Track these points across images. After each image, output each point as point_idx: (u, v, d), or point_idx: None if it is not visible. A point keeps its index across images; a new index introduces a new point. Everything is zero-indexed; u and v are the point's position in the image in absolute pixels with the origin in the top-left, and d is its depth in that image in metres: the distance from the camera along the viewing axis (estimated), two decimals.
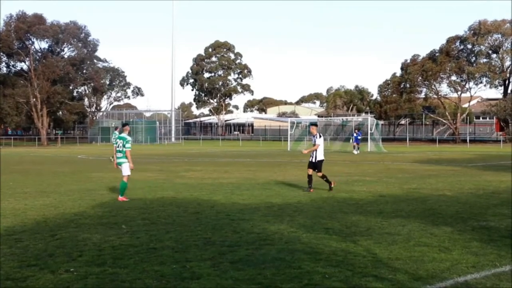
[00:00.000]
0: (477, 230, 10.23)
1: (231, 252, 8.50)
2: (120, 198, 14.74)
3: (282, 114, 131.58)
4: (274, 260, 7.97)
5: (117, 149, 15.06)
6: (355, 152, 44.21)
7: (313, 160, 16.95)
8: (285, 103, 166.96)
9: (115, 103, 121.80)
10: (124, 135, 15.10)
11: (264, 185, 18.53)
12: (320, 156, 16.98)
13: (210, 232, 10.13)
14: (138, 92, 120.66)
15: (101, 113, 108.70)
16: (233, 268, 7.60)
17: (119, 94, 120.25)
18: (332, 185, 16.92)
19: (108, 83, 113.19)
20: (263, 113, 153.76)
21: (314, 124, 17.78)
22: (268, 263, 7.83)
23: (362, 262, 7.84)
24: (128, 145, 14.89)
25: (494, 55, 77.82)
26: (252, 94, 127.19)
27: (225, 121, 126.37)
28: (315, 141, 16.94)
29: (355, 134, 46.45)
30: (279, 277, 7.13)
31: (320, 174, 16.91)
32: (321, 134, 17.16)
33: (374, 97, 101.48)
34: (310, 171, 16.88)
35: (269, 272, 7.37)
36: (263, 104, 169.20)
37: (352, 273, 7.29)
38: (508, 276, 7.11)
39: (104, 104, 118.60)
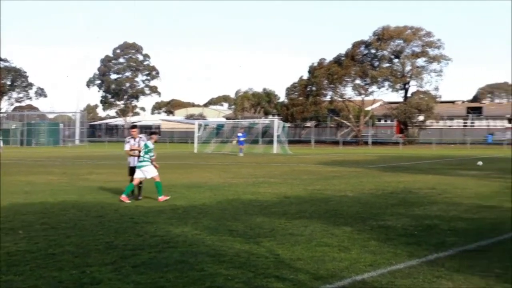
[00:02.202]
0: (376, 230, 10.56)
1: (133, 256, 8.38)
2: (160, 198, 14.90)
3: (190, 116, 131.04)
4: (177, 263, 7.93)
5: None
6: (240, 154, 44.33)
7: None
8: (193, 105, 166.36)
9: (17, 104, 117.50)
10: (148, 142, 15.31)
11: (169, 188, 18.36)
12: None
13: (113, 235, 9.95)
14: (41, 93, 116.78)
15: (1, 115, 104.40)
16: (135, 272, 7.49)
17: (21, 95, 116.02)
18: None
19: (9, 83, 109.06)
20: (171, 115, 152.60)
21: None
22: (171, 266, 7.78)
23: (264, 263, 7.92)
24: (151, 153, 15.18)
25: (396, 60, 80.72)
26: (160, 96, 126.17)
27: (132, 123, 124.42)
28: None
29: (239, 134, 46.20)
30: (182, 280, 7.10)
31: None
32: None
33: (281, 100, 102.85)
34: None
35: (171, 275, 7.32)
36: (171, 106, 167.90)
37: (255, 274, 7.35)
38: (403, 274, 7.38)
39: (4, 105, 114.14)
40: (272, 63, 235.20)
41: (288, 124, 75.96)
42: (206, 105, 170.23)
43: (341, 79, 79.36)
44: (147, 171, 15.13)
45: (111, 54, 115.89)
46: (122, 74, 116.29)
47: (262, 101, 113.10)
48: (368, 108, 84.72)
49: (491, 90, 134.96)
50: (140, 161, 15.18)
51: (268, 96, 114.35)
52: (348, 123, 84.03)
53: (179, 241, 9.44)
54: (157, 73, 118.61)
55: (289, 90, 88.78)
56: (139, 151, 15.39)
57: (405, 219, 11.75)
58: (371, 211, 12.96)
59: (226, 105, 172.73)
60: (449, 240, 9.54)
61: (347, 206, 13.94)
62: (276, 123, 54.52)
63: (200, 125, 61.63)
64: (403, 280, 7.07)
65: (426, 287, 6.82)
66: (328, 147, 72.13)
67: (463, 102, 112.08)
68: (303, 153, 49.70)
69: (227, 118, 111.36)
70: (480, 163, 27.41)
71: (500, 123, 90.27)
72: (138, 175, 15.09)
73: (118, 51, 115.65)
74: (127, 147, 15.78)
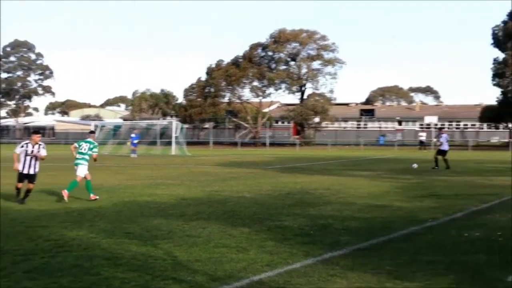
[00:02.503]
0: (273, 230, 10.72)
1: (25, 261, 8.08)
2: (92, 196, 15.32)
3: (85, 117, 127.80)
4: (72, 267, 7.72)
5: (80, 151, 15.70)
6: (132, 155, 43.76)
7: None
8: (89, 106, 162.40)
9: None
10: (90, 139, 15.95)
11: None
12: None
13: (3, 241, 9.55)
14: None
15: None
16: (26, 277, 7.23)
17: None
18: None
19: None
20: (66, 116, 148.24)
21: None
22: (65, 270, 7.56)
23: (162, 266, 7.86)
24: (95, 149, 15.84)
25: (292, 63, 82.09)
26: (54, 96, 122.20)
27: (24, 124, 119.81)
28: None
29: (133, 135, 45.62)
30: (76, 285, 6.92)
31: None
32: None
33: (179, 101, 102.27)
34: None
35: (65, 280, 7.11)
36: (65, 107, 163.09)
37: (152, 276, 7.28)
38: (299, 273, 7.53)
39: None
40: (169, 64, 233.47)
41: (186, 125, 75.84)
42: (102, 106, 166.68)
43: (239, 80, 79.75)
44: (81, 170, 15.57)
45: (0, 52, 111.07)
46: (13, 73, 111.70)
47: (160, 102, 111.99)
48: (266, 110, 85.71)
49: (382, 93, 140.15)
50: (78, 159, 15.60)
51: (166, 97, 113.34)
52: (246, 125, 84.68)
53: (73, 245, 9.20)
54: (51, 72, 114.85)
55: (187, 91, 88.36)
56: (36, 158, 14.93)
57: (301, 219, 12.00)
58: (268, 212, 13.14)
59: (123, 106, 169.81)
60: (343, 239, 9.83)
61: (244, 207, 14.06)
62: (174, 124, 54.23)
63: (96, 126, 60.24)
64: (299, 279, 7.22)
65: (321, 286, 6.98)
66: (226, 148, 72.48)
67: (357, 104, 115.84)
68: (201, 154, 49.67)
69: (124, 119, 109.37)
70: (415, 165, 28.27)
71: (391, 125, 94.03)
72: (82, 172, 15.56)
73: (8, 49, 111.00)
74: (18, 150, 15.02)
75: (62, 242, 9.45)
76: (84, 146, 15.77)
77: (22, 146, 15.01)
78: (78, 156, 15.71)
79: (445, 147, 28.28)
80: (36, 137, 15.06)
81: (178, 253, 8.68)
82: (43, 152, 14.92)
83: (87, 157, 15.70)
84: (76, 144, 15.96)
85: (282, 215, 12.61)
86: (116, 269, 7.65)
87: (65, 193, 15.06)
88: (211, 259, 8.26)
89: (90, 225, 11.20)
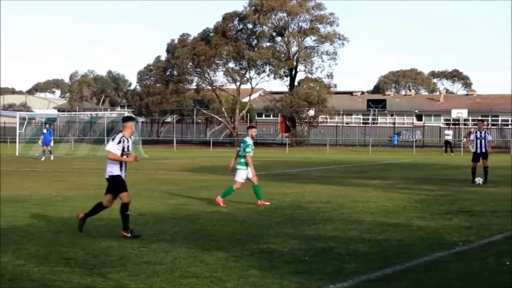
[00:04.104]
0: (257, 255, 10.73)
1: None
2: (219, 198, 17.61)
3: (8, 107, 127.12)
4: None
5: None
6: (44, 158, 43.54)
7: None
8: (13, 92, 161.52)
9: None
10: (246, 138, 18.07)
11: None
12: None
13: None
14: None
15: None
16: None
17: None
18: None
19: None
20: None
21: None
22: None
23: None
24: (248, 149, 17.74)
25: (279, 38, 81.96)
26: None
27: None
28: None
29: (44, 131, 44.92)
30: None
31: None
32: None
33: (132, 87, 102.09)
34: None
35: None
36: None
37: None
38: None
39: None
40: (119, 38, 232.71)
41: (142, 119, 75.64)
42: (30, 92, 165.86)
43: (209, 61, 79.34)
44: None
45: None
46: None
47: (107, 88, 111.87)
48: (245, 99, 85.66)
49: (396, 79, 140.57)
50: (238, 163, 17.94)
51: (115, 81, 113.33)
52: (220, 118, 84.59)
53: None
54: None
55: (143, 75, 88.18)
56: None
57: (293, 241, 12.01)
58: (250, 232, 13.14)
59: (58, 92, 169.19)
60: (348, 267, 9.85)
61: (220, 225, 14.06)
62: None
63: (23, 118, 59.96)
64: None
65: None
66: (194, 148, 72.41)
67: (363, 93, 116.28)
68: (162, 157, 49.59)
69: (59, 110, 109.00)
70: (479, 180, 26.05)
71: (408, 120, 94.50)
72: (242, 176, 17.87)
73: None
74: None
75: None
76: (241, 147, 18.09)
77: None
78: (238, 160, 18.05)
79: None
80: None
81: (134, 285, 8.66)
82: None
83: (243, 160, 17.95)
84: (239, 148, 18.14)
85: (269, 236, 12.62)
86: None
87: (262, 203, 17.67)
88: None
89: (17, 248, 11.14)
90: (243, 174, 17.92)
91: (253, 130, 19.02)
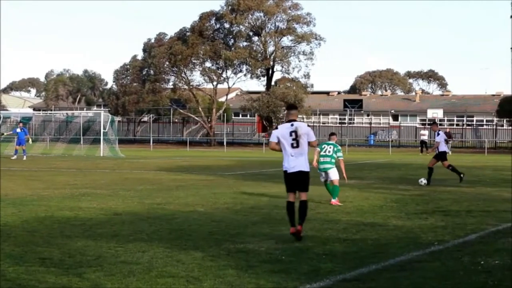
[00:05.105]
0: (233, 255, 10.73)
1: None
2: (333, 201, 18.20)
3: None
4: None
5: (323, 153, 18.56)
6: (14, 157, 43.11)
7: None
8: None
9: None
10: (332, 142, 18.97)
11: None
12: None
13: None
14: None
15: None
16: None
17: None
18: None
19: None
20: None
21: None
22: None
23: None
24: (340, 153, 18.72)
25: (255, 38, 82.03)
26: None
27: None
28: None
29: (18, 130, 44.44)
30: None
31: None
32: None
33: (108, 86, 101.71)
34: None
35: None
36: None
37: None
38: None
39: None
40: (95, 36, 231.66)
41: (118, 118, 75.43)
42: (5, 90, 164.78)
43: (186, 60, 79.30)
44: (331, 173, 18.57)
45: None
46: None
47: (83, 87, 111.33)
48: (222, 99, 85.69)
49: (372, 79, 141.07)
50: (325, 162, 18.47)
51: (91, 80, 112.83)
52: (196, 118, 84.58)
53: None
54: None
55: (119, 74, 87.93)
56: None
57: (270, 241, 12.04)
58: (227, 231, 13.15)
59: (33, 91, 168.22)
60: (324, 267, 9.88)
61: (197, 224, 14.05)
62: (103, 116, 53.91)
63: None
64: None
65: None
66: (171, 148, 72.25)
67: (339, 93, 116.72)
68: (138, 156, 49.45)
69: (35, 109, 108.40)
70: (423, 181, 26.08)
71: (384, 120, 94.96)
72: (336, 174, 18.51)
73: None
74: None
75: None
76: (328, 149, 18.57)
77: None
78: (323, 159, 18.49)
79: (444, 148, 27.65)
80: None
81: (110, 284, 8.65)
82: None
83: (333, 160, 18.48)
84: (318, 148, 18.45)
85: (246, 236, 12.63)
86: None
87: (335, 202, 18.11)
88: None
89: None
90: (335, 171, 18.60)
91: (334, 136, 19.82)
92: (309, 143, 12.77)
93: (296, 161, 12.53)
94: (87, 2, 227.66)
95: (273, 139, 12.85)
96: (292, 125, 12.65)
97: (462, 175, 25.79)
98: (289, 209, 12.58)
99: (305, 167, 12.56)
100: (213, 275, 9.25)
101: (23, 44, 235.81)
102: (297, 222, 12.27)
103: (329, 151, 18.54)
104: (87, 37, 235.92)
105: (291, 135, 12.55)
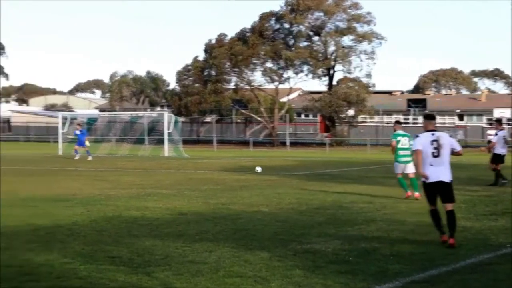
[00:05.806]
0: (300, 255, 10.72)
1: None
2: (416, 194, 18.98)
3: (50, 107, 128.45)
4: None
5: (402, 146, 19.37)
6: (77, 157, 43.57)
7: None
8: (54, 92, 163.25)
9: None
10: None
11: (26, 201, 17.98)
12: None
13: None
14: None
15: None
16: None
17: None
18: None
19: None
20: (24, 105, 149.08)
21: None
22: None
23: None
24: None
25: (316, 38, 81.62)
26: (8, 79, 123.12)
27: None
28: None
29: (77, 132, 44.80)
30: None
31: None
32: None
33: (171, 87, 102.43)
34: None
35: None
36: (23, 93, 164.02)
37: None
38: None
39: None
40: (157, 39, 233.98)
41: (182, 119, 75.81)
42: (71, 92, 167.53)
43: (247, 60, 79.17)
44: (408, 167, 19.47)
45: None
46: None
47: (146, 88, 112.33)
48: (284, 99, 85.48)
49: (436, 78, 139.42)
50: (404, 156, 19.25)
51: (154, 81, 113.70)
52: (259, 118, 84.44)
53: (42, 273, 9.27)
54: (2, 48, 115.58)
55: (181, 75, 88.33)
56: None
57: (336, 242, 11.99)
58: (293, 232, 13.14)
59: (98, 92, 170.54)
60: (392, 268, 9.81)
61: (262, 225, 14.08)
62: (166, 117, 54.29)
63: (65, 118, 60.54)
64: None
65: None
66: (234, 148, 72.46)
67: (403, 93, 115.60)
68: (202, 157, 49.66)
69: (100, 110, 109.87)
70: (258, 169, 27.45)
71: (449, 120, 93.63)
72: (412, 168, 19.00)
73: None
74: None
75: (28, 268, 9.52)
76: (404, 141, 19.26)
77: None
78: (401, 152, 19.30)
79: (500, 150, 26.81)
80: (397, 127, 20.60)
81: (179, 283, 8.72)
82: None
83: (410, 152, 18.58)
84: (394, 140, 19.38)
85: (312, 236, 12.62)
86: None
87: (416, 195, 18.87)
88: None
89: (63, 247, 11.26)
90: (412, 165, 18.96)
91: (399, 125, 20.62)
92: (457, 153, 12.87)
93: (435, 171, 12.47)
94: (148, 3, 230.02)
95: (417, 146, 12.89)
96: (433, 134, 12.79)
97: (504, 181, 24.92)
98: (433, 216, 12.46)
99: (446, 177, 12.46)
100: (280, 275, 9.25)
101: (90, 48, 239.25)
102: (447, 233, 12.04)
103: (406, 144, 19.11)
104: (150, 39, 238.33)
105: (432, 143, 12.60)
